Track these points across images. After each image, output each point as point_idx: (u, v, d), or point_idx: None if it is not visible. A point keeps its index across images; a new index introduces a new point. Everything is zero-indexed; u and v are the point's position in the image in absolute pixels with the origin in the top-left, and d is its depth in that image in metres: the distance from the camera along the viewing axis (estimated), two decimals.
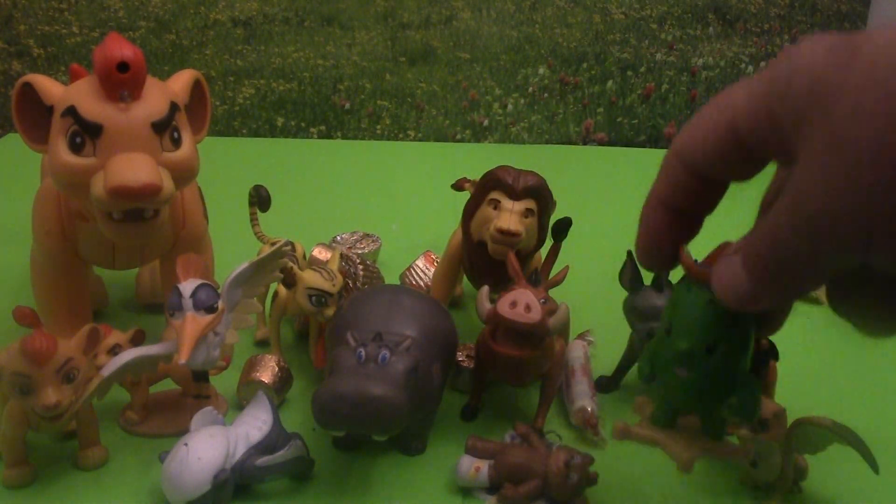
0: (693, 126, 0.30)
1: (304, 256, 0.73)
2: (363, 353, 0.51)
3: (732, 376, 0.34)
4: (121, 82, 0.54)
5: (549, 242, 0.65)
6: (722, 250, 0.32)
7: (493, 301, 0.56)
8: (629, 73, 1.72)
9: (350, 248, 0.86)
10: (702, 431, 0.42)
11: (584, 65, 1.70)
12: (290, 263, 0.61)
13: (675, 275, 0.37)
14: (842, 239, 0.24)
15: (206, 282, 0.54)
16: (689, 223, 0.33)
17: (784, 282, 0.27)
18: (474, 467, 0.52)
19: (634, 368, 0.66)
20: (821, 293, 0.83)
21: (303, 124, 1.61)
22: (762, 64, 1.77)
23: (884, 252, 0.24)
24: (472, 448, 0.54)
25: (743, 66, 1.77)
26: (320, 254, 0.77)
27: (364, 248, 0.87)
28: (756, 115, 0.27)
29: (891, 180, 0.22)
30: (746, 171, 0.30)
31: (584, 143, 1.67)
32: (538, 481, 0.51)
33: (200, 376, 0.58)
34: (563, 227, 0.64)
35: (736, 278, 0.29)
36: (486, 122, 1.65)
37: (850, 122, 0.23)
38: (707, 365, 0.33)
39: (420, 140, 1.59)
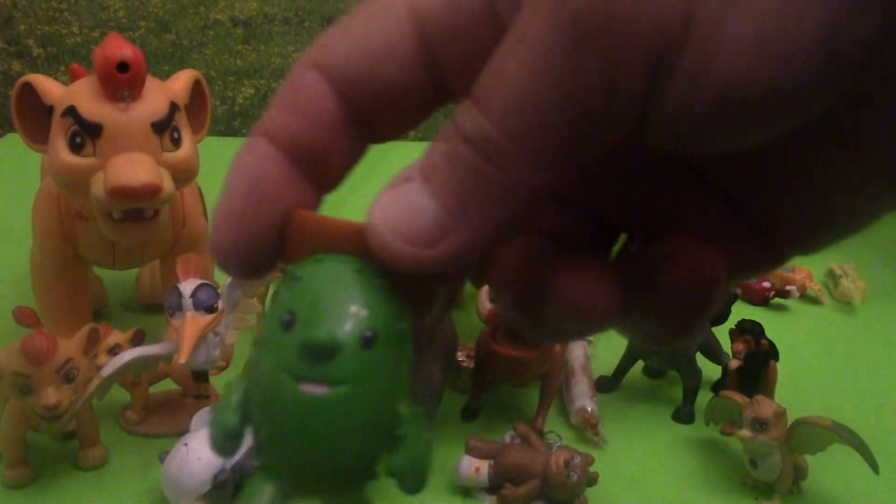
0: (351, 21, 0.18)
1: None
2: None
3: (396, 403, 0.19)
4: (121, 82, 0.54)
5: None
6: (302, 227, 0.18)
7: (493, 301, 0.56)
8: None
9: None
10: None
11: None
12: None
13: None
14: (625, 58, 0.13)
15: (206, 282, 0.54)
16: (306, 188, 0.18)
17: (498, 192, 0.15)
18: (474, 467, 0.52)
19: (635, 368, 0.66)
20: (821, 293, 0.83)
21: None
22: None
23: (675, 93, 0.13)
24: (472, 448, 0.54)
25: None
26: None
27: None
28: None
29: None
30: (414, 104, 0.18)
31: None
32: (538, 481, 0.51)
33: (200, 376, 0.58)
34: None
35: (414, 210, 0.16)
36: None
37: None
38: (363, 369, 0.18)
39: (420, 140, 1.59)
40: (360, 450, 0.18)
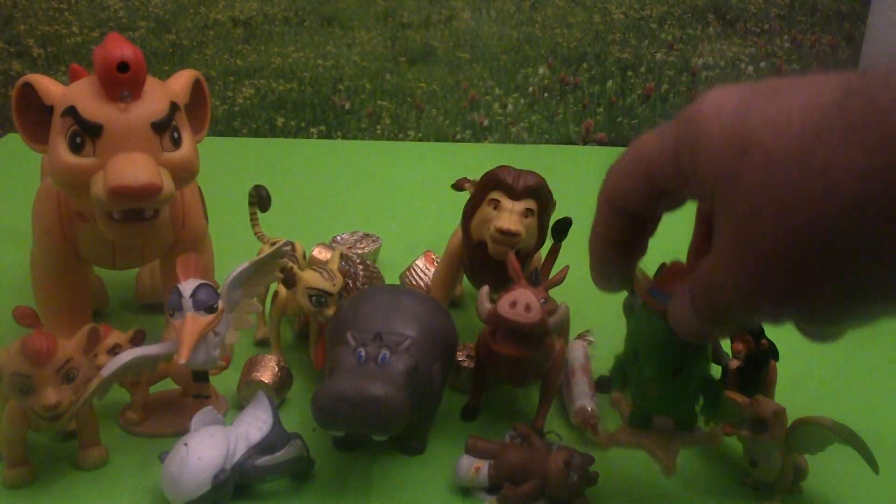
0: (615, 175, 0.34)
1: (304, 256, 0.73)
2: (363, 353, 0.51)
3: (699, 384, 0.40)
4: (121, 82, 0.54)
5: (549, 242, 0.65)
6: (667, 273, 0.37)
7: (493, 301, 0.56)
8: (629, 73, 1.72)
9: (350, 248, 0.86)
10: (676, 428, 0.45)
11: (584, 65, 1.70)
12: (290, 263, 0.61)
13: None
14: (771, 308, 0.27)
15: (206, 282, 0.54)
16: (633, 251, 0.36)
17: (728, 323, 0.30)
18: (474, 467, 0.52)
19: None
20: None
21: (303, 124, 1.61)
22: (762, 64, 1.77)
23: (817, 319, 0.28)
24: (472, 448, 0.54)
25: (743, 65, 1.77)
26: (320, 254, 0.77)
27: (364, 248, 0.87)
28: (668, 170, 0.30)
29: (804, 261, 0.24)
30: (673, 208, 0.34)
31: (584, 143, 1.67)
32: (538, 481, 0.51)
33: (200, 376, 0.58)
34: (564, 227, 0.63)
35: (686, 317, 0.31)
36: (486, 122, 1.65)
37: (751, 222, 0.25)
38: (675, 384, 0.38)
39: (420, 140, 1.59)
40: (680, 407, 0.43)
